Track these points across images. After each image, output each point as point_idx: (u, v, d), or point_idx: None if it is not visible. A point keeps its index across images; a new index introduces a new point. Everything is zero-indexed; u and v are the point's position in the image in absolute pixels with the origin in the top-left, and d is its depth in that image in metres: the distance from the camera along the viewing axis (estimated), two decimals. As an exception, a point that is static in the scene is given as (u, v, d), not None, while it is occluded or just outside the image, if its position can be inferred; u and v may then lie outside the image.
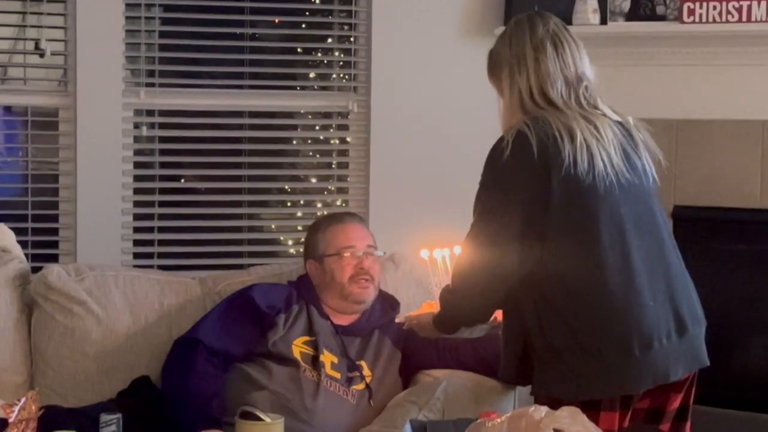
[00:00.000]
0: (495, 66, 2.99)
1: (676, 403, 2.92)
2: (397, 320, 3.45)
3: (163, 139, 4.51)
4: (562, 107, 2.86)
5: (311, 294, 3.57)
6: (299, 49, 4.72)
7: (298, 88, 4.73)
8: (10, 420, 2.31)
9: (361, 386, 3.43)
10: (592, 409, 2.67)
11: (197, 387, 3.24)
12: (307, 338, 3.46)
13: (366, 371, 3.47)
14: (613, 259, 2.78)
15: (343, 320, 3.56)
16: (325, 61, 4.73)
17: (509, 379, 3.06)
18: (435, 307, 3.12)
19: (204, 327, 3.41)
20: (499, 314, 3.02)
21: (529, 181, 2.77)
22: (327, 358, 3.41)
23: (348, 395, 3.38)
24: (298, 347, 3.42)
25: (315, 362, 3.40)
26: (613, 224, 2.80)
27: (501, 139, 2.83)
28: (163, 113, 4.47)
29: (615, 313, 2.77)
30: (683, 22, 4.43)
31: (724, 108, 4.50)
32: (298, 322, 3.48)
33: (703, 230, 4.59)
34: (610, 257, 2.78)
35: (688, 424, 2.97)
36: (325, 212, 4.54)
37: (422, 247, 3.24)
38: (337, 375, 3.40)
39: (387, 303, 3.66)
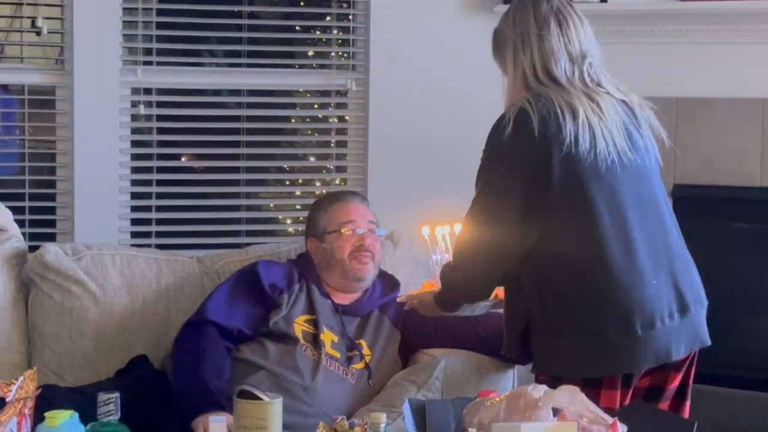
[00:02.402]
0: (499, 44, 2.98)
1: (675, 381, 2.92)
2: (398, 300, 3.44)
3: (161, 118, 4.49)
4: (566, 85, 2.85)
5: (312, 272, 3.57)
6: (297, 27, 4.70)
7: (297, 66, 4.71)
8: (8, 399, 2.30)
9: (360, 365, 3.42)
10: (593, 387, 2.68)
11: (206, 373, 3.22)
12: (308, 316, 3.46)
13: (366, 350, 3.46)
14: (615, 238, 2.78)
15: (344, 299, 3.55)
16: (324, 39, 4.71)
17: (511, 356, 3.06)
18: (435, 285, 3.11)
19: (214, 307, 3.40)
20: (500, 291, 3.02)
21: (530, 159, 2.77)
22: (327, 336, 3.41)
23: (347, 374, 3.38)
24: (300, 325, 3.42)
25: (316, 341, 3.39)
26: (614, 203, 2.79)
27: (503, 116, 2.82)
28: (161, 92, 4.46)
29: (617, 293, 2.76)
30: (684, 0, 4.40)
31: (724, 86, 4.49)
32: (300, 301, 3.47)
33: (702, 209, 4.57)
34: (611, 236, 2.77)
35: (688, 403, 2.98)
36: (324, 191, 4.53)
37: (421, 226, 3.23)
38: (337, 354, 3.40)
39: (387, 283, 3.65)
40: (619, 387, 2.79)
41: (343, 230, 3.55)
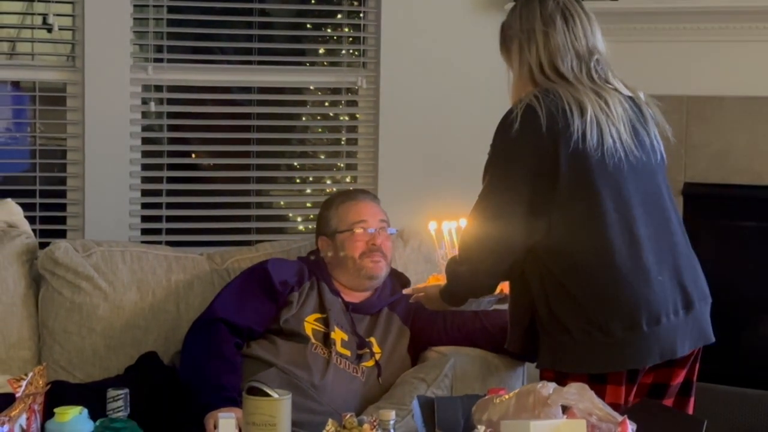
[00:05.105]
0: (506, 40, 2.98)
1: (679, 378, 2.92)
2: (404, 292, 3.44)
3: (172, 115, 4.49)
4: (573, 81, 2.85)
5: (322, 271, 3.57)
6: (308, 25, 4.70)
7: (308, 63, 4.71)
8: (17, 395, 2.31)
9: (370, 363, 3.42)
10: (598, 383, 2.68)
11: (217, 368, 3.23)
12: (318, 315, 3.46)
13: (376, 348, 3.46)
14: (620, 235, 2.78)
15: (354, 297, 3.55)
16: (335, 37, 4.71)
17: (515, 350, 3.06)
18: (441, 279, 3.11)
19: (223, 304, 3.40)
20: (505, 286, 3.02)
21: (537, 155, 2.77)
22: (338, 335, 3.41)
23: (357, 372, 3.38)
24: (310, 324, 3.42)
25: (326, 339, 3.39)
26: (620, 201, 2.80)
27: (510, 112, 2.83)
28: (172, 89, 4.46)
29: (622, 289, 2.76)
30: (694, -2, 4.41)
31: (735, 84, 4.48)
32: (310, 299, 3.47)
33: (713, 207, 4.57)
34: (616, 233, 2.77)
35: (692, 400, 2.97)
36: (335, 189, 4.53)
37: (431, 223, 3.23)
38: (347, 353, 3.40)
39: (398, 281, 3.65)
40: (624, 383, 2.79)
41: (354, 229, 3.55)
